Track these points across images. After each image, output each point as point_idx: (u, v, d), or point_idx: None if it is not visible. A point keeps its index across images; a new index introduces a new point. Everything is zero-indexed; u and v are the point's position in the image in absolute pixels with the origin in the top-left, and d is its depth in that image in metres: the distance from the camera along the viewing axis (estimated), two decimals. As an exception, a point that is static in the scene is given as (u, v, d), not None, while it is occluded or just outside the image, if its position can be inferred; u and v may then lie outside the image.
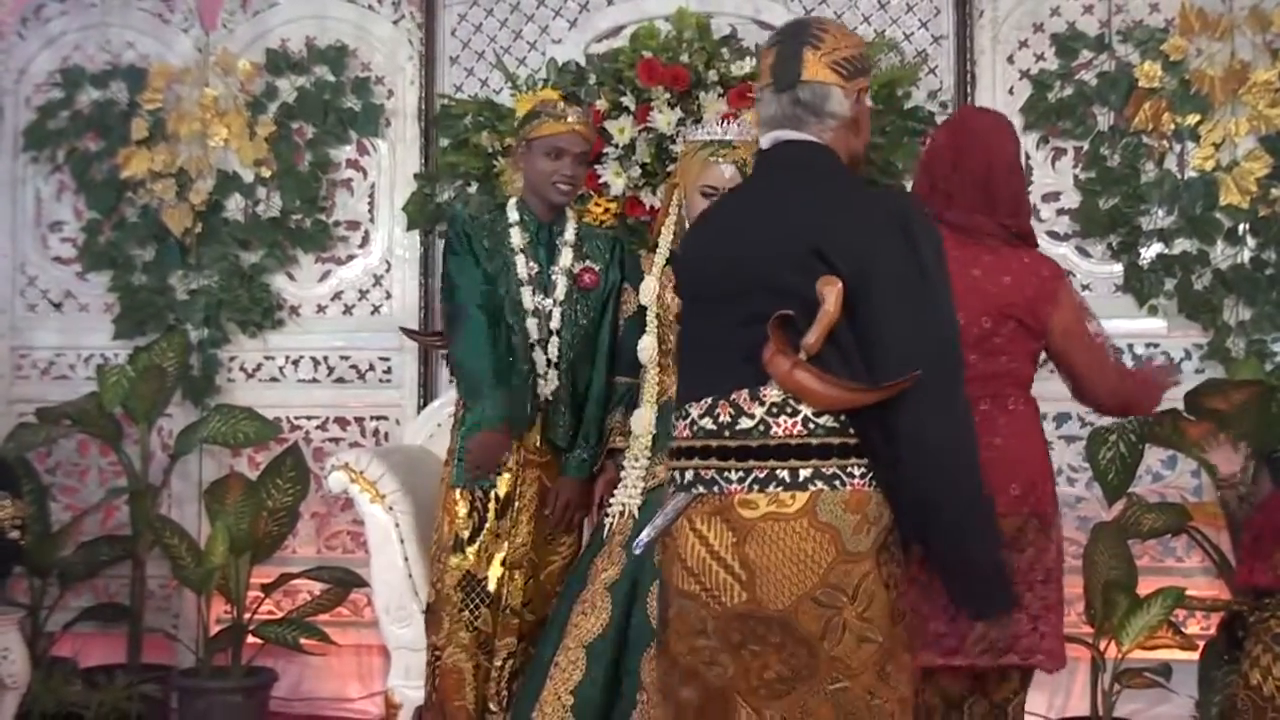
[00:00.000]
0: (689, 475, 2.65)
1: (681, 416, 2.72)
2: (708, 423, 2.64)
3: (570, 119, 4.04)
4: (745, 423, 2.59)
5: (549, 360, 4.07)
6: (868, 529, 2.55)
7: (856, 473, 2.56)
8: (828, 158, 2.74)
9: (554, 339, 4.07)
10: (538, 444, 4.07)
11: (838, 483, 2.55)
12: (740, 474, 2.58)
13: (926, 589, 2.99)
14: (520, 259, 4.08)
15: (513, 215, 4.12)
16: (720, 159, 3.94)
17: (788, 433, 2.56)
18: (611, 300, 4.16)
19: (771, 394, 2.58)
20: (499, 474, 4.00)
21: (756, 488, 2.56)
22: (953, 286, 2.65)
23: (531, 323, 4.05)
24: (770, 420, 2.58)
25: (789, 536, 2.54)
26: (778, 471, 2.56)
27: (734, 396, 2.61)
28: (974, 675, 3.30)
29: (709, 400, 2.65)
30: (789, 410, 2.57)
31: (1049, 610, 3.25)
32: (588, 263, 4.13)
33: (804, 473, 2.55)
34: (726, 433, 2.61)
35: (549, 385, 4.06)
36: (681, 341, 2.89)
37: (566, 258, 4.11)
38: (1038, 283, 3.29)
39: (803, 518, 2.53)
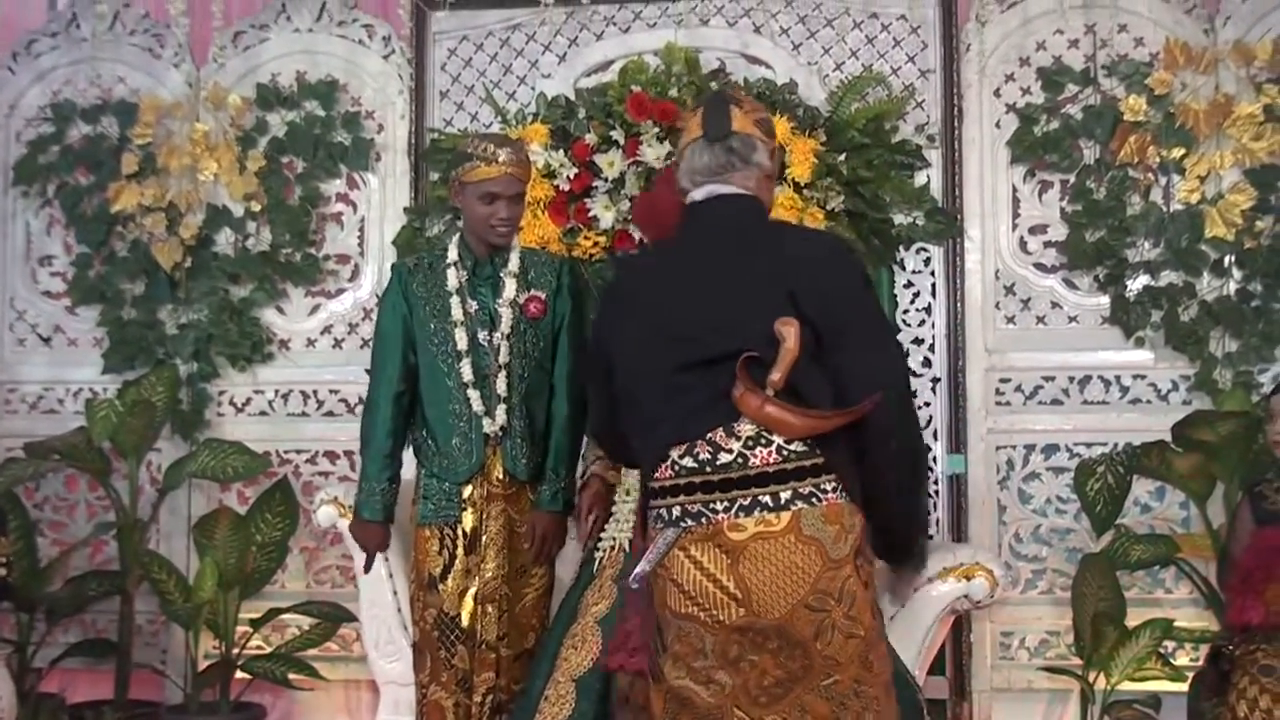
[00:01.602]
0: (675, 511, 2.86)
1: (659, 460, 2.90)
2: (688, 461, 2.86)
3: (501, 160, 4.01)
4: (724, 457, 2.84)
5: (498, 396, 4.05)
6: (845, 536, 2.83)
7: (829, 488, 2.83)
8: (762, 210, 3.10)
9: (502, 374, 4.05)
10: (500, 477, 4.06)
11: (814, 499, 2.81)
12: (725, 503, 2.82)
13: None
14: (455, 300, 4.08)
15: (451, 254, 4.12)
16: None
17: (764, 461, 2.82)
18: (567, 326, 4.15)
19: (745, 429, 2.83)
20: (459, 515, 4.03)
21: (743, 513, 2.80)
22: None
23: (465, 364, 4.04)
24: (747, 453, 2.83)
25: (779, 552, 2.78)
26: (760, 497, 2.81)
27: (710, 435, 2.85)
28: None
29: (686, 442, 2.86)
30: (763, 441, 2.83)
31: None
32: (533, 291, 4.12)
33: (784, 495, 2.80)
34: (708, 468, 2.84)
35: (496, 422, 4.05)
36: (640, 393, 2.99)
37: (510, 289, 4.09)
38: None
39: (789, 534, 2.78)
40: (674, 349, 2.91)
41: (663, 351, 2.93)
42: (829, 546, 2.80)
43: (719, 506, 2.82)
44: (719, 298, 2.92)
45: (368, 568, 4.23)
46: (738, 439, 2.84)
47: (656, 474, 2.91)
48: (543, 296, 4.11)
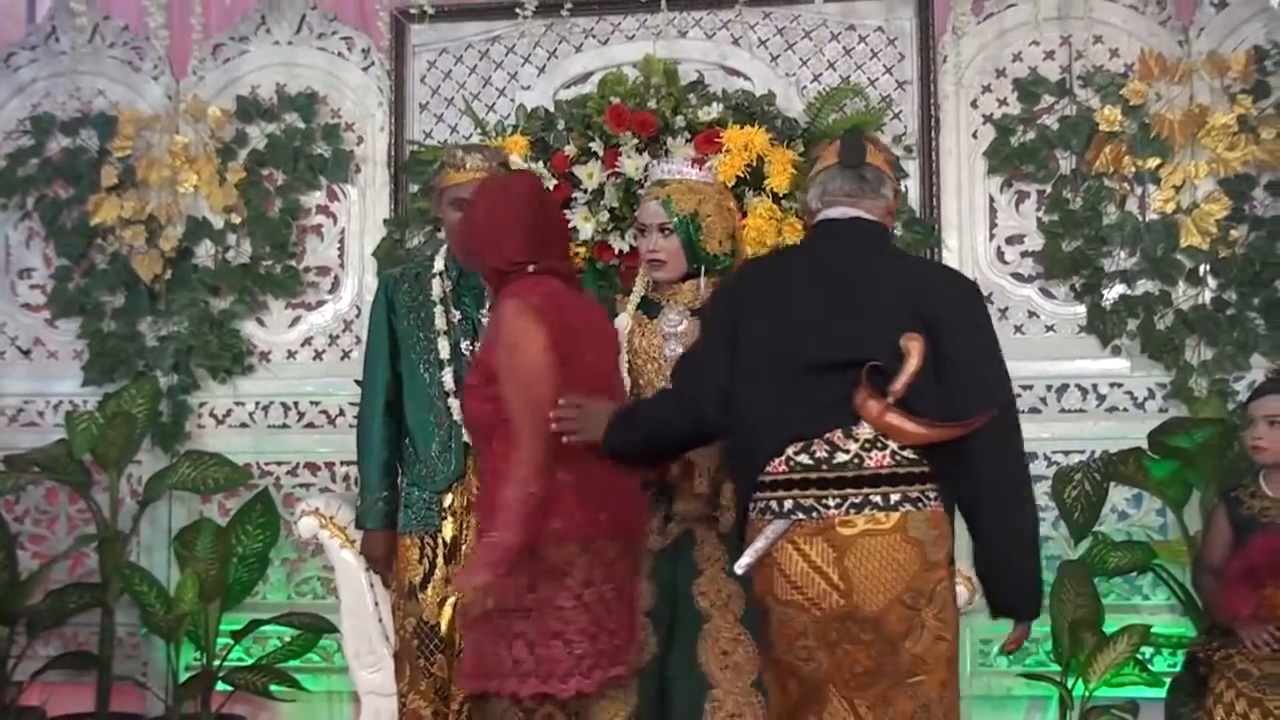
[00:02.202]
0: (787, 504, 3.08)
1: (774, 454, 3.09)
2: (804, 458, 3.07)
3: (468, 166, 4.03)
4: (841, 457, 3.06)
5: None
6: (942, 542, 3.07)
7: (932, 495, 3.06)
8: (888, 235, 3.41)
9: None
10: (478, 490, 4.07)
11: (920, 504, 3.05)
12: (838, 500, 3.04)
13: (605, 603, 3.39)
14: (439, 310, 4.10)
15: (438, 264, 4.16)
16: (647, 197, 4.02)
17: (878, 464, 3.04)
18: None
19: (863, 432, 3.06)
20: (438, 526, 4.04)
21: (853, 511, 3.03)
22: (591, 328, 3.47)
23: (447, 373, 4.06)
24: (864, 454, 3.05)
25: (885, 549, 3.01)
26: (871, 496, 3.03)
27: (828, 435, 3.07)
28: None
29: (805, 440, 3.08)
30: (879, 445, 3.06)
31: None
32: None
33: (894, 497, 3.03)
34: (824, 466, 3.06)
35: None
36: (761, 388, 3.16)
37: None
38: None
39: (896, 533, 3.01)
40: (803, 350, 3.13)
41: (791, 352, 3.14)
42: (928, 549, 3.03)
43: (831, 503, 3.04)
44: (849, 308, 3.16)
45: (386, 582, 4.25)
46: (855, 441, 3.06)
47: (768, 468, 3.10)
48: None
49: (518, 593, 3.32)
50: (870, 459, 3.05)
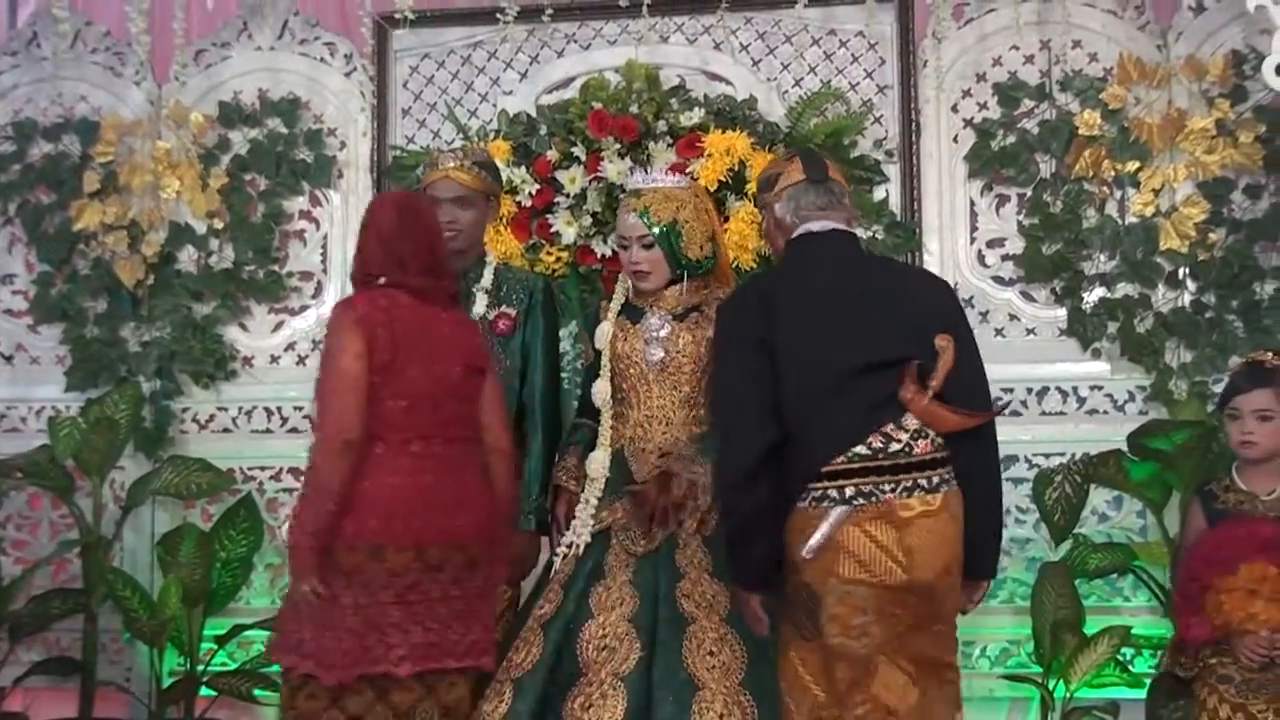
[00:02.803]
0: (849, 491, 3.40)
1: (836, 448, 3.42)
2: (862, 449, 3.42)
3: (442, 165, 4.05)
4: (894, 446, 3.42)
5: None
6: (963, 517, 3.49)
7: (950, 476, 3.48)
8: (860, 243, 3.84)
9: None
10: None
11: (951, 484, 3.47)
12: (892, 485, 3.40)
13: (405, 605, 3.56)
14: None
15: None
16: (624, 209, 4.04)
17: (923, 451, 3.44)
18: (538, 345, 4.17)
19: (910, 423, 3.45)
20: None
21: (906, 494, 3.40)
22: (432, 341, 3.60)
23: None
24: (912, 443, 3.44)
25: (938, 526, 3.42)
26: (919, 480, 3.43)
27: (882, 428, 3.42)
28: (424, 683, 3.63)
29: (862, 434, 3.43)
30: (924, 434, 3.45)
31: (493, 621, 3.80)
32: (504, 308, 4.15)
33: (935, 479, 3.44)
34: (880, 455, 3.41)
35: None
36: (819, 390, 3.46)
37: (481, 305, 4.13)
38: (478, 335, 3.85)
39: (944, 512, 3.43)
40: (852, 355, 3.47)
41: (842, 357, 3.47)
42: (960, 523, 3.47)
43: (887, 488, 3.39)
44: (882, 313, 3.54)
45: None
46: (905, 431, 3.44)
47: (831, 460, 3.41)
48: (512, 314, 4.13)
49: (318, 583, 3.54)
50: (917, 446, 3.44)
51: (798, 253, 3.69)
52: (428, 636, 3.58)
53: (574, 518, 3.99)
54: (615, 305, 4.12)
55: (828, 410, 3.45)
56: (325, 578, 3.52)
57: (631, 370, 4.01)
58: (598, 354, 4.10)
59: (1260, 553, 3.83)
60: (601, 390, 4.05)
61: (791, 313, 3.53)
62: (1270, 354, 4.10)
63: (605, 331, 4.07)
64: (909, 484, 3.41)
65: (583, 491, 4.01)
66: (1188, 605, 3.94)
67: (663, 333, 4.00)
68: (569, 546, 3.94)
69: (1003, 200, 5.28)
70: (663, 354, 3.98)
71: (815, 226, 3.66)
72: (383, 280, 3.69)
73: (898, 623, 3.42)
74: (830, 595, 3.41)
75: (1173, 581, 4.48)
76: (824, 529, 3.39)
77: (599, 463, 4.00)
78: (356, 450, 3.52)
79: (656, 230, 3.96)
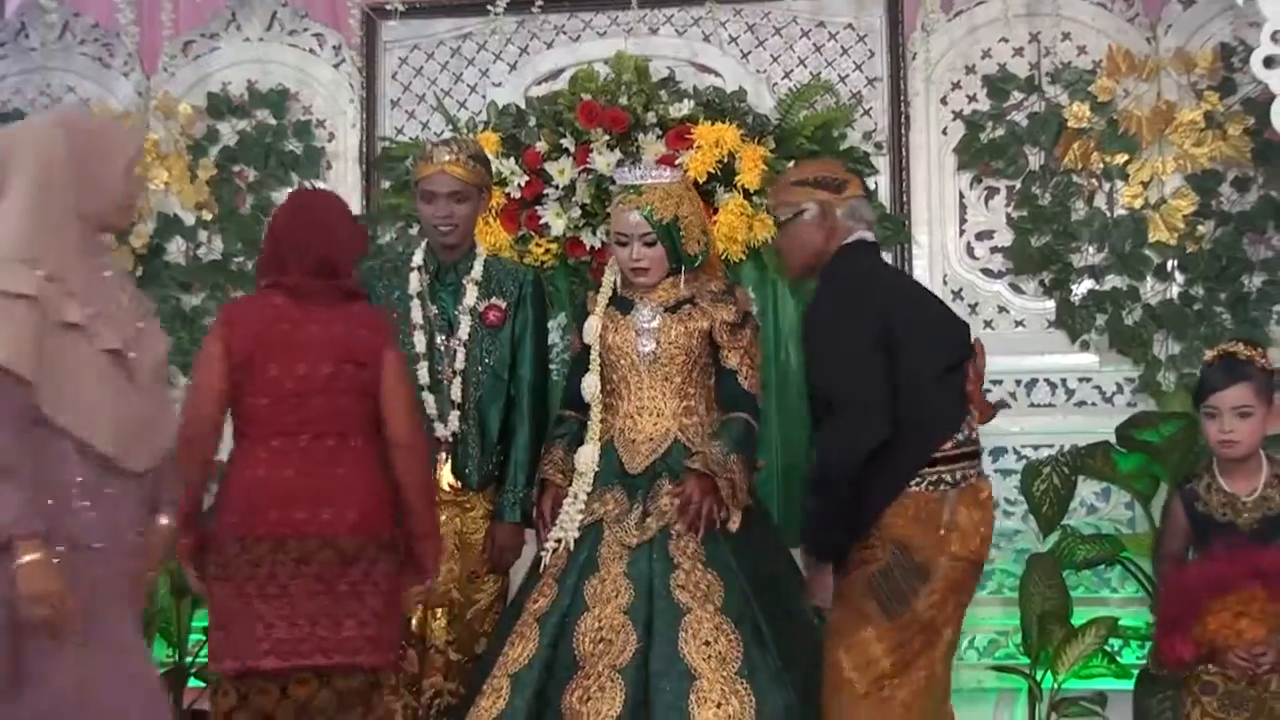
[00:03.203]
0: (958, 475, 3.68)
1: (945, 437, 3.68)
2: (961, 436, 3.72)
3: (437, 159, 4.04)
4: (973, 435, 3.78)
5: (452, 401, 4.08)
6: None
7: None
8: None
9: (457, 379, 4.08)
10: (450, 484, 4.08)
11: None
12: (977, 470, 3.77)
13: (266, 598, 3.55)
14: (415, 303, 4.10)
15: (416, 258, 4.17)
16: (624, 206, 4.01)
17: (977, 440, 3.81)
18: (527, 337, 4.17)
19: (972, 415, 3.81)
20: None
21: (977, 477, 3.74)
22: (297, 340, 3.61)
23: (422, 367, 4.07)
24: (975, 432, 3.80)
25: (990, 507, 3.79)
26: (981, 467, 3.81)
27: (967, 419, 3.76)
28: (319, 675, 3.61)
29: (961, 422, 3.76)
30: (973, 425, 3.80)
31: (377, 618, 3.61)
32: (493, 300, 4.14)
33: (980, 466, 3.81)
34: (966, 443, 3.74)
35: (448, 427, 4.07)
36: (923, 385, 3.67)
37: (471, 296, 4.12)
38: (370, 329, 3.72)
39: (990, 494, 3.80)
40: (948, 350, 3.79)
41: (942, 352, 3.76)
42: None
43: (972, 472, 3.72)
44: (946, 314, 3.98)
45: None
46: (972, 421, 3.78)
47: (942, 448, 3.66)
48: (502, 306, 4.13)
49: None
50: (975, 434, 3.80)
51: (865, 256, 3.89)
52: (293, 632, 3.55)
53: (560, 512, 3.99)
54: (603, 298, 4.12)
55: (937, 400, 3.72)
56: (202, 572, 3.65)
57: (622, 362, 4.01)
58: (586, 348, 4.09)
59: (1255, 579, 3.76)
60: (591, 385, 4.05)
61: (903, 310, 3.75)
62: (1242, 345, 3.96)
63: (594, 326, 4.07)
64: (980, 469, 3.79)
65: (569, 486, 4.01)
66: (1175, 627, 3.87)
67: (654, 324, 4.01)
68: (558, 542, 3.94)
69: (992, 192, 5.29)
70: (654, 345, 3.98)
71: (869, 236, 3.90)
72: (263, 283, 3.75)
73: (968, 596, 3.78)
74: (938, 572, 3.63)
75: (1155, 564, 4.42)
76: (947, 514, 3.65)
77: (588, 457, 4.00)
78: (200, 446, 3.62)
79: (660, 228, 3.96)
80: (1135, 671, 4.58)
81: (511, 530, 4.11)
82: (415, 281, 4.14)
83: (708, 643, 3.70)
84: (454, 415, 4.09)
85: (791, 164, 4.97)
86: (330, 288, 3.71)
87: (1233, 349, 3.96)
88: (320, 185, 5.61)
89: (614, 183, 4.80)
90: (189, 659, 5.12)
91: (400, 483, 3.66)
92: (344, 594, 3.57)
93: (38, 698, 3.02)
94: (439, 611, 4.02)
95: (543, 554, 3.97)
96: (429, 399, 4.07)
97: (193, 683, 5.13)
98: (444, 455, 4.07)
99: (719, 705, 3.60)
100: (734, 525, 3.88)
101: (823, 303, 3.80)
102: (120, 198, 3.29)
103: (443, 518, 4.01)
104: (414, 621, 4.00)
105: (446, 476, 4.09)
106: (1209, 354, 4.08)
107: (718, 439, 3.92)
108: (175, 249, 5.64)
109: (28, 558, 2.94)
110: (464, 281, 4.16)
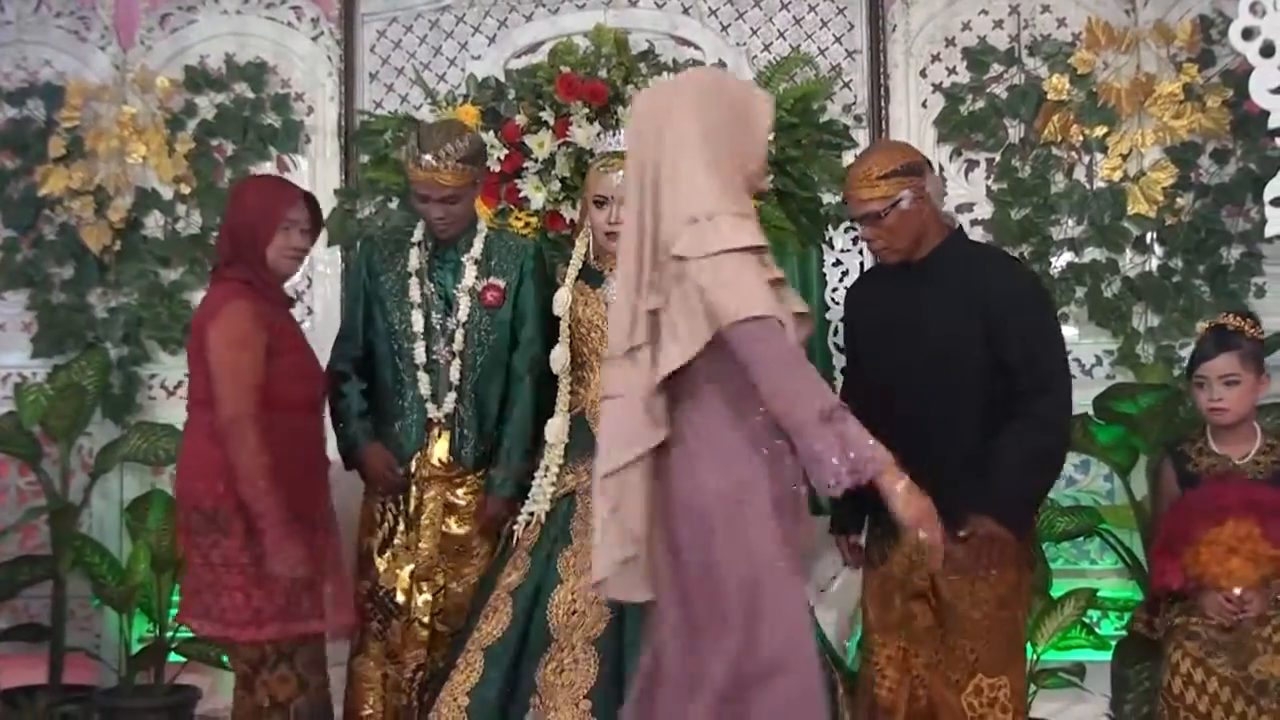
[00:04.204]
0: None
1: None
2: None
3: (424, 165, 3.95)
4: None
5: (449, 382, 4.06)
6: None
7: None
8: None
9: (456, 361, 4.06)
10: (442, 459, 4.07)
11: None
12: None
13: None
14: (413, 281, 4.09)
15: (417, 234, 4.14)
16: (605, 168, 4.00)
17: None
18: (530, 311, 4.13)
19: None
20: (402, 486, 4.05)
21: None
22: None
23: (419, 346, 4.05)
24: None
25: None
26: None
27: None
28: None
29: None
30: None
31: (207, 588, 3.74)
32: (492, 279, 4.12)
33: None
34: None
35: (442, 408, 4.06)
36: None
37: (470, 275, 4.10)
38: (204, 304, 3.87)
39: None
40: None
41: None
42: None
43: None
44: None
45: (395, 489, 4.16)
46: None
47: None
48: (501, 286, 4.11)
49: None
50: None
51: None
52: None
53: (532, 484, 3.98)
54: (573, 271, 4.10)
55: None
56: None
57: (593, 334, 4.00)
58: (555, 320, 4.08)
59: (1251, 512, 3.84)
60: (560, 356, 4.03)
61: None
62: (1234, 317, 4.09)
63: (564, 298, 4.05)
64: None
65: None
66: (1167, 553, 3.94)
67: (625, 296, 3.99)
68: (530, 515, 3.94)
69: (971, 165, 5.29)
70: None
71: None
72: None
73: None
74: None
75: (1147, 537, 4.49)
76: None
77: (558, 429, 4.00)
78: None
79: None
80: (1114, 642, 4.62)
81: (504, 504, 4.10)
82: (414, 258, 4.12)
83: None
84: (450, 397, 4.07)
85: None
86: (215, 274, 3.91)
87: (1223, 320, 4.09)
88: (299, 159, 5.61)
89: (593, 155, 4.80)
90: (169, 633, 5.10)
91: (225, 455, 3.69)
92: (196, 565, 3.76)
93: (774, 631, 2.92)
94: (423, 585, 4.01)
95: (515, 527, 3.97)
96: (423, 379, 4.06)
97: (173, 658, 5.13)
98: (436, 432, 4.06)
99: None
100: None
101: (1029, 280, 3.98)
102: (764, 161, 3.16)
103: (431, 492, 4.01)
104: (400, 594, 4.00)
105: (438, 452, 4.08)
106: (1203, 325, 4.21)
107: None
108: (153, 223, 5.62)
109: (899, 484, 2.83)
110: (463, 259, 4.13)
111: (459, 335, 4.06)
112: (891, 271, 3.85)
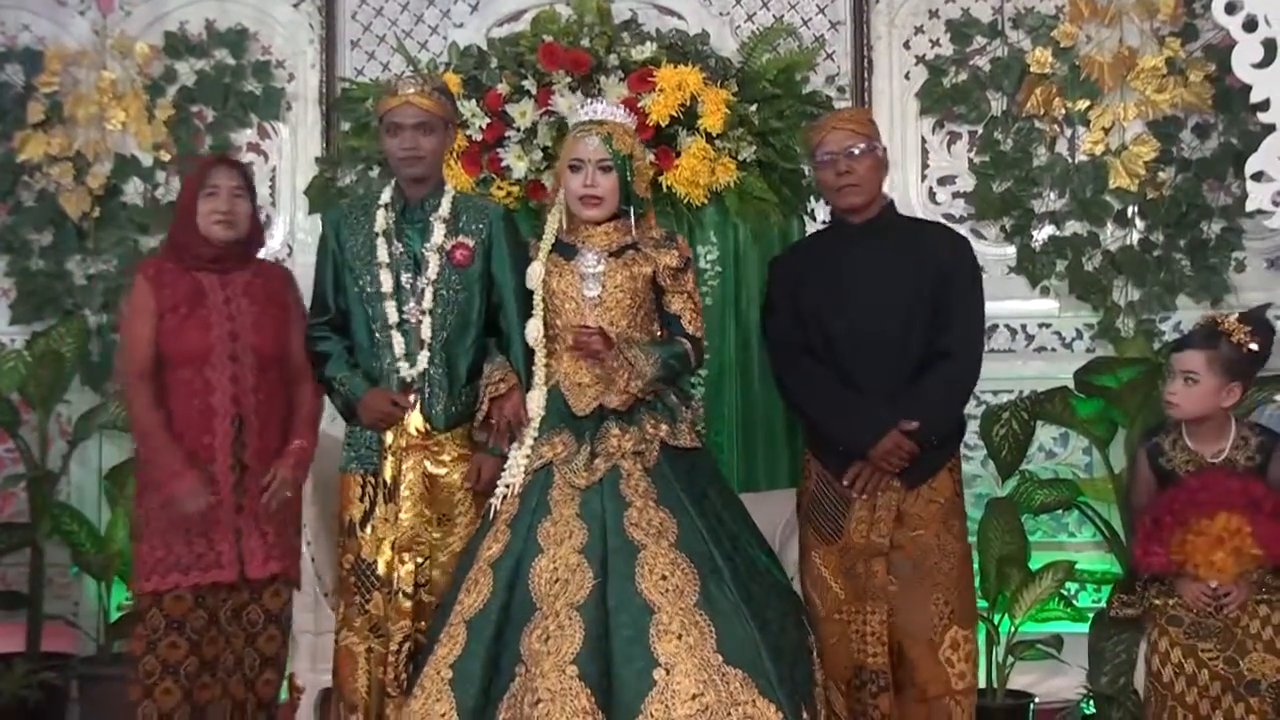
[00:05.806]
0: None
1: None
2: None
3: (402, 91, 3.99)
4: None
5: (420, 341, 4.04)
6: None
7: None
8: None
9: (426, 319, 4.05)
10: (418, 427, 4.05)
11: None
12: None
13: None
14: (380, 241, 4.07)
15: (384, 196, 4.12)
16: (582, 133, 3.99)
17: None
18: (507, 275, 4.11)
19: None
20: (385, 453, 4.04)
21: None
22: None
23: (390, 305, 4.04)
24: None
25: None
26: None
27: None
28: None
29: None
30: None
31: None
32: (461, 238, 4.10)
33: None
34: None
35: (416, 367, 4.04)
36: None
37: (438, 234, 4.08)
38: None
39: None
40: None
41: None
42: None
43: None
44: None
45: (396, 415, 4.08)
46: None
47: None
48: (470, 244, 4.07)
49: None
50: None
51: None
52: None
53: (508, 458, 3.97)
54: (546, 243, 4.08)
55: None
56: None
57: (566, 305, 3.98)
58: (529, 293, 4.06)
59: (1246, 509, 3.78)
60: (534, 329, 4.01)
61: None
62: (1231, 319, 3.90)
63: (537, 271, 4.03)
64: None
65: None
66: (1154, 534, 3.90)
67: (599, 268, 3.98)
68: (506, 487, 3.93)
69: (954, 138, 5.30)
70: (599, 290, 3.96)
71: None
72: None
73: None
74: None
75: (1124, 520, 4.49)
76: None
77: (534, 402, 3.98)
78: None
79: (619, 157, 3.94)
80: (1091, 615, 4.63)
81: (496, 462, 4.08)
82: (381, 219, 4.10)
83: (664, 576, 3.69)
84: (423, 355, 4.05)
85: (752, 107, 4.95)
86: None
87: (1218, 316, 3.96)
88: (280, 127, 5.58)
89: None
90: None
91: None
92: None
93: None
94: (405, 556, 4.00)
95: (493, 501, 3.96)
96: (396, 338, 4.03)
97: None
98: (413, 399, 4.04)
99: (679, 636, 3.60)
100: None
101: (969, 248, 4.03)
102: None
103: (410, 462, 4.00)
104: (382, 566, 3.99)
105: (415, 420, 4.06)
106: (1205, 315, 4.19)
107: (656, 347, 3.95)
108: (133, 190, 5.60)
109: None
110: (431, 219, 4.11)
111: (428, 294, 4.04)
112: (831, 238, 4.07)
